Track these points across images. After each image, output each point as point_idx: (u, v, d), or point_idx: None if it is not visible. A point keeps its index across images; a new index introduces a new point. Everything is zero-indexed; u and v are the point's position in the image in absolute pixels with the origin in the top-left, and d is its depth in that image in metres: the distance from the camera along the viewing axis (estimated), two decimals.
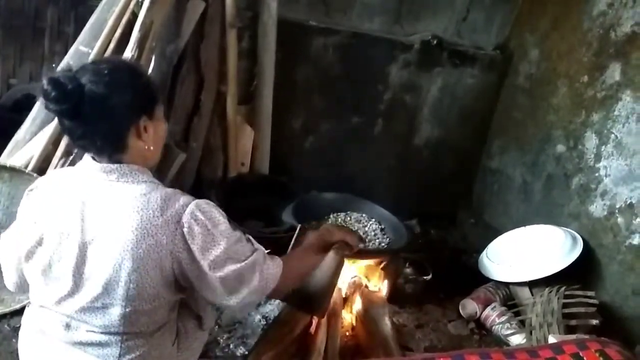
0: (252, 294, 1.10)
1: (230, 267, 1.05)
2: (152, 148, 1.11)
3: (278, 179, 2.53)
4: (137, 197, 1.03)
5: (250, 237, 1.17)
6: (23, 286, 1.19)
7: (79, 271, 1.04)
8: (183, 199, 1.06)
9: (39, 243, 1.08)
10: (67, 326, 1.08)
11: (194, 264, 1.04)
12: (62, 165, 1.96)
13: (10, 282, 1.22)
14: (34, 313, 1.15)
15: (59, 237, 1.05)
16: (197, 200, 1.07)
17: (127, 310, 1.02)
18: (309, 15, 2.53)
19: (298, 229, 1.68)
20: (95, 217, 1.03)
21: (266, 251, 1.17)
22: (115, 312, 1.03)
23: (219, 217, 1.08)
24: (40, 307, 1.12)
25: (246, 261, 1.08)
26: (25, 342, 1.17)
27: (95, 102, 1.00)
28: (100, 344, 1.07)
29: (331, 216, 2.19)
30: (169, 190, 1.07)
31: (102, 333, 1.06)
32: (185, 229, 1.02)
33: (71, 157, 1.97)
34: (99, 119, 1.02)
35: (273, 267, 1.14)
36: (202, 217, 1.04)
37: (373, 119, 2.87)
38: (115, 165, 1.06)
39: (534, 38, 2.79)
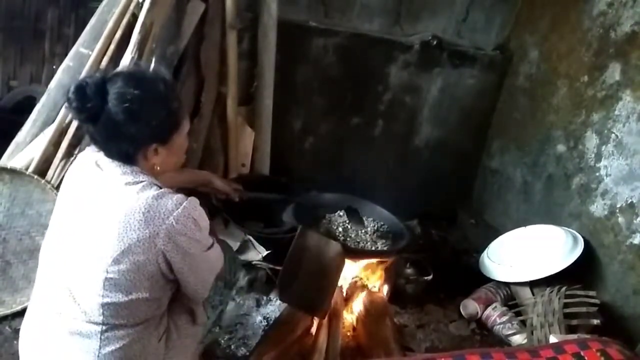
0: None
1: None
2: (158, 168, 1.17)
3: (278, 180, 2.53)
4: (130, 194, 1.07)
5: None
6: None
7: (63, 254, 1.12)
8: (176, 197, 1.10)
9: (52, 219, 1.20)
10: (59, 314, 1.12)
11: (187, 255, 1.11)
12: (63, 167, 1.96)
13: None
14: (33, 304, 1.21)
15: (58, 217, 1.17)
16: (190, 198, 1.12)
17: (105, 300, 1.06)
18: (308, 16, 2.53)
19: (298, 229, 1.68)
20: (88, 206, 1.10)
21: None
22: (94, 301, 1.07)
23: (204, 216, 1.15)
24: (39, 292, 1.19)
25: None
26: (24, 334, 1.22)
27: (109, 123, 1.05)
28: (82, 335, 1.09)
29: (332, 216, 2.19)
30: (164, 190, 1.11)
31: (85, 322, 1.09)
32: (178, 225, 1.06)
33: (72, 159, 1.97)
34: (108, 138, 1.09)
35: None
36: (195, 217, 1.10)
37: (373, 120, 2.87)
38: (120, 162, 1.12)
39: (534, 38, 2.79)
